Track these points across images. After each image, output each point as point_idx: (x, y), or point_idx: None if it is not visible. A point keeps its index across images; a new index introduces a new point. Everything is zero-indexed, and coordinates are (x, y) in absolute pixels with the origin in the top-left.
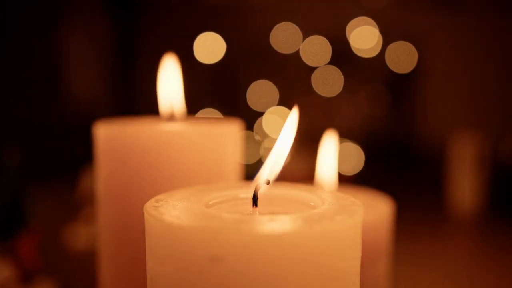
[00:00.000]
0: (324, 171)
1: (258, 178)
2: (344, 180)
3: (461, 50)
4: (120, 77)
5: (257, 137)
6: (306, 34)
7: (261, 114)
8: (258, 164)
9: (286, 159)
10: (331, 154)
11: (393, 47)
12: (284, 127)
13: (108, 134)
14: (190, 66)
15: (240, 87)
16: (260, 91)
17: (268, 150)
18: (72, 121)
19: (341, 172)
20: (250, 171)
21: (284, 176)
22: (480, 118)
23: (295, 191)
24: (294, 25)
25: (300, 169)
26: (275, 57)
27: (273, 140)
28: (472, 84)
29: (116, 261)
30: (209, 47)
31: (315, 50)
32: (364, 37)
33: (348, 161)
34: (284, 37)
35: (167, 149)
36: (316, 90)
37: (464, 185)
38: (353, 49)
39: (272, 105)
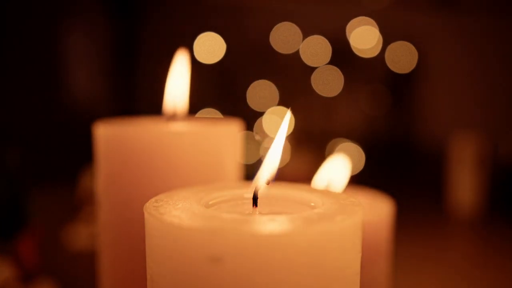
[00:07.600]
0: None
1: (257, 179)
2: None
3: (461, 50)
4: (120, 77)
5: (257, 137)
6: (306, 34)
7: (261, 114)
8: (258, 164)
9: (281, 160)
10: (343, 167)
11: (393, 47)
12: (280, 128)
13: (108, 134)
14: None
15: (240, 87)
16: (260, 91)
17: (268, 150)
18: (72, 121)
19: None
20: (250, 171)
21: (284, 176)
22: (480, 118)
23: (295, 191)
24: (294, 25)
25: (300, 169)
26: (275, 57)
27: (272, 140)
28: (472, 84)
29: (116, 261)
30: (209, 47)
31: (315, 50)
32: (364, 37)
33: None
34: (284, 37)
35: (167, 149)
36: (316, 90)
37: (464, 185)
38: (353, 49)
39: (272, 105)
